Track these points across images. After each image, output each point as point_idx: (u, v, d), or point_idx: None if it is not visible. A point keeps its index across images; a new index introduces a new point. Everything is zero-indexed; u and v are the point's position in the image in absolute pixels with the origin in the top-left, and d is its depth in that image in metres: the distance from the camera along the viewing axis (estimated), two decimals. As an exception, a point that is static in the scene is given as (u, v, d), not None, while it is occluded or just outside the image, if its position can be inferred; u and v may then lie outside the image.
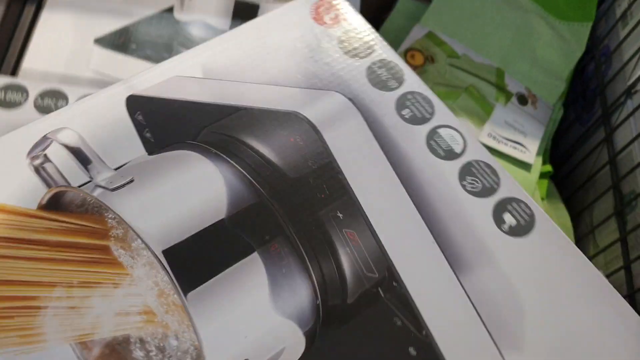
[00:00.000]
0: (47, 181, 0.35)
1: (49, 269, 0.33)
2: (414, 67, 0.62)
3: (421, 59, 0.63)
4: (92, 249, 0.34)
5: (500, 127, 0.62)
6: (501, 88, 0.63)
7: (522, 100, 0.64)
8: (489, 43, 0.65)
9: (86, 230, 0.34)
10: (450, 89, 0.62)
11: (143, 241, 0.29)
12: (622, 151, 0.59)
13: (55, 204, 0.34)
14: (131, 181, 0.32)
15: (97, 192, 0.32)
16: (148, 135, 0.39)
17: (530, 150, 0.62)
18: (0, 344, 0.31)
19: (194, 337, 0.30)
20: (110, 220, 0.34)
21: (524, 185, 0.61)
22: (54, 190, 0.34)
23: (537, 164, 0.62)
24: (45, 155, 0.35)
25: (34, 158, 0.35)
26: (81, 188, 0.33)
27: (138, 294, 0.33)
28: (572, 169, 0.69)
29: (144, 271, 0.33)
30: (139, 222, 0.30)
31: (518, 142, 0.62)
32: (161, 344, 0.34)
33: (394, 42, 0.61)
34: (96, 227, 0.34)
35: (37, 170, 0.35)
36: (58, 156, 0.35)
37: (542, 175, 0.63)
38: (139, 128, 0.39)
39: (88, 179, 0.33)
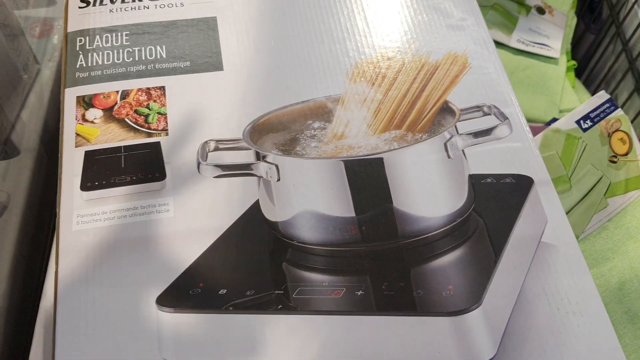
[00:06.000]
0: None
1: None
2: (445, -6, 0.73)
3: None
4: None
5: (525, 33, 0.73)
6: (521, 3, 0.74)
7: (540, 11, 0.75)
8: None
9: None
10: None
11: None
12: (633, 36, 0.69)
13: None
14: None
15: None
16: None
17: (554, 47, 0.72)
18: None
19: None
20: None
21: (554, 77, 0.72)
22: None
23: (563, 59, 0.73)
24: None
25: None
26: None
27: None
28: (591, 71, 0.80)
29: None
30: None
31: (543, 43, 0.73)
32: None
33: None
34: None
35: None
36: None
37: (568, 70, 0.73)
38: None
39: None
